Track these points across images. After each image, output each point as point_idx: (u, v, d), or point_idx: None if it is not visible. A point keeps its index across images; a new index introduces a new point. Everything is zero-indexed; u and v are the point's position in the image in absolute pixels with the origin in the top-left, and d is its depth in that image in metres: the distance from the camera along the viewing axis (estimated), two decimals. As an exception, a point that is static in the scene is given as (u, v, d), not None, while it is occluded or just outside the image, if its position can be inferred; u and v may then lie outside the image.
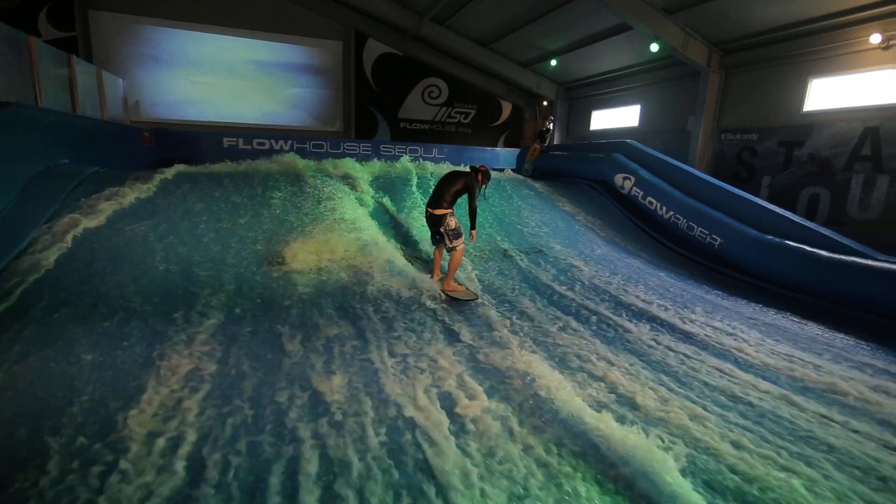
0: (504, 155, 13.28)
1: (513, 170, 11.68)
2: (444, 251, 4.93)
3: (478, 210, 4.92)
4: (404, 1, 12.21)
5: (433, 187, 4.98)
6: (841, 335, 4.43)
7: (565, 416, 2.59)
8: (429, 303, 4.32)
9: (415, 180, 7.79)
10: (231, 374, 2.95)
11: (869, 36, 6.98)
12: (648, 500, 2.05)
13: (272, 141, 10.94)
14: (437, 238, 4.89)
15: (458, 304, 4.44)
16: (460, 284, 4.87)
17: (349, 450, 2.27)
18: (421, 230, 6.23)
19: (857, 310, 4.97)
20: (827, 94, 7.83)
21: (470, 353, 3.46)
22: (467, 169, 5.06)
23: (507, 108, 15.82)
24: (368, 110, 14.33)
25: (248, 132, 11.45)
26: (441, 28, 12.94)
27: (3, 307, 3.53)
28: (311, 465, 2.15)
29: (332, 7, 13.06)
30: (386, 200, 7.14)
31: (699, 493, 2.10)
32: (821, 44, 7.69)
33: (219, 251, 4.98)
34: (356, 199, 6.82)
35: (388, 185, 7.58)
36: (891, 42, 6.83)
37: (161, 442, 2.25)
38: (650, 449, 2.25)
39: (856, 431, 2.75)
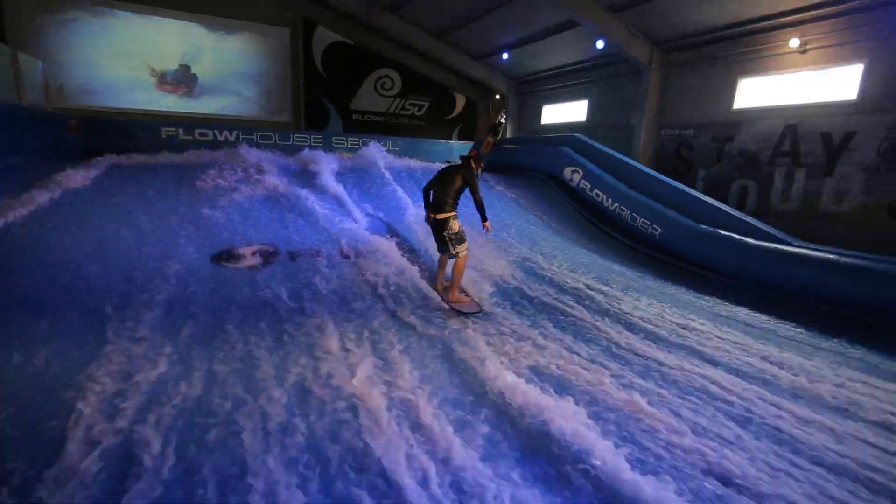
0: (459, 148, 13.35)
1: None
2: (448, 258, 4.69)
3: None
4: (355, -12, 11.95)
5: (432, 189, 4.62)
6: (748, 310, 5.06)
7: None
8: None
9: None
10: (174, 374, 2.83)
11: (789, 40, 7.59)
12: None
13: (216, 131, 10.40)
14: (443, 245, 4.64)
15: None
16: (466, 294, 4.66)
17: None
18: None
19: (777, 290, 5.46)
20: (754, 92, 8.44)
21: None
22: (459, 161, 4.75)
23: (460, 101, 15.88)
24: (319, 101, 13.93)
25: (189, 122, 10.83)
26: (393, 17, 12.77)
27: None
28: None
29: (279, -9, 12.55)
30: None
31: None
32: (748, 46, 8.27)
33: (161, 247, 4.71)
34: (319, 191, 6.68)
35: (359, 176, 7.54)
36: (807, 46, 7.45)
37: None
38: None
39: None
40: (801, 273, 5.29)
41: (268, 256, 5.32)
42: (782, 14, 7.54)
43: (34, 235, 4.37)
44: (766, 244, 5.77)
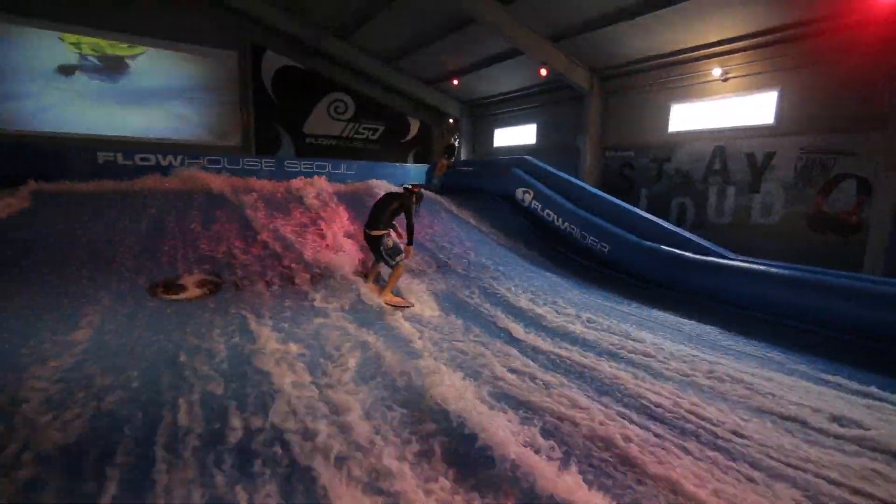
0: (414, 171, 13.46)
1: (423, 185, 11.89)
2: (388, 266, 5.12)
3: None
4: (303, 14, 11.96)
5: (371, 209, 5.11)
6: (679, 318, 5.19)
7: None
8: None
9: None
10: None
11: (712, 69, 8.28)
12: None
13: (159, 156, 9.92)
14: (379, 258, 5.10)
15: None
16: (397, 295, 5.05)
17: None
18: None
19: (716, 301, 5.76)
20: (686, 117, 9.09)
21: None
22: (401, 190, 5.41)
23: (415, 125, 16.08)
24: (270, 125, 13.69)
25: (128, 147, 10.30)
26: (343, 43, 12.86)
27: None
28: None
29: (225, 15, 12.35)
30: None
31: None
32: (677, 74, 8.94)
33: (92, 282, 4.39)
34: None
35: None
36: (728, 75, 8.15)
37: None
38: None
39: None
40: (732, 283, 5.64)
41: (213, 285, 5.07)
42: (706, 46, 8.22)
43: None
44: (701, 257, 6.13)
